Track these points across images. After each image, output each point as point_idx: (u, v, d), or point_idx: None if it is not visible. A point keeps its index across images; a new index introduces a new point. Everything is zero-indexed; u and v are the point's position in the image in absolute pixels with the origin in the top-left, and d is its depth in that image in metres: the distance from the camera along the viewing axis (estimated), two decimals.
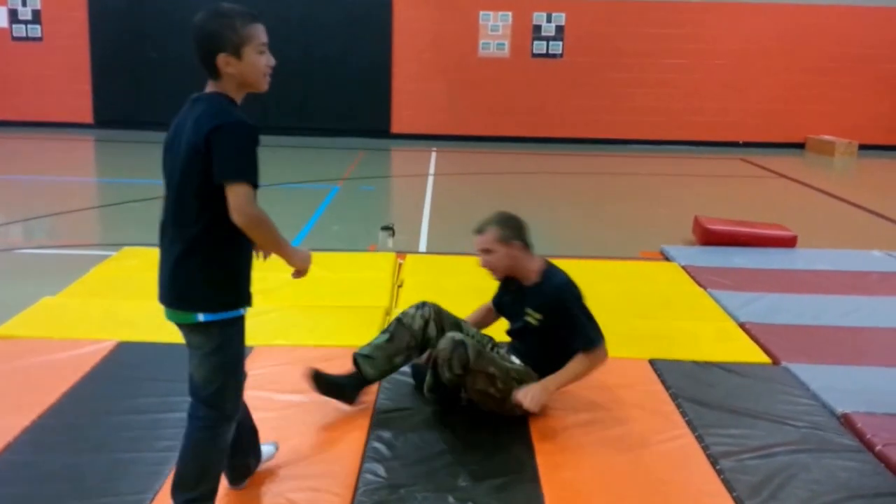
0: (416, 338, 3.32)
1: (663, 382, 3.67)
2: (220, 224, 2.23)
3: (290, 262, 2.42)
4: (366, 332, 3.84)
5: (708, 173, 11.30)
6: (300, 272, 2.48)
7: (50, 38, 12.76)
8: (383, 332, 3.41)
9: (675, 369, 3.81)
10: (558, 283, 3.30)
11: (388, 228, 5.96)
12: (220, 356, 2.37)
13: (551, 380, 3.21)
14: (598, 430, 3.23)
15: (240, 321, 2.40)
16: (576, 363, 3.24)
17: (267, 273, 2.71)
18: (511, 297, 3.44)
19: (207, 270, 2.30)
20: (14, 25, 12.69)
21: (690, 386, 3.64)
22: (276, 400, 3.35)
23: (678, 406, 3.44)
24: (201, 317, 2.31)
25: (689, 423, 3.29)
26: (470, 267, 5.07)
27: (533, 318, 3.30)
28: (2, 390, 3.42)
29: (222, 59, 2.27)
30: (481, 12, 12.93)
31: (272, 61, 2.36)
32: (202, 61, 2.30)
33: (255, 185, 2.23)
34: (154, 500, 2.63)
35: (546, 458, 2.98)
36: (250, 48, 2.28)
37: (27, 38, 12.79)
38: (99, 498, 2.65)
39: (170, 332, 4.03)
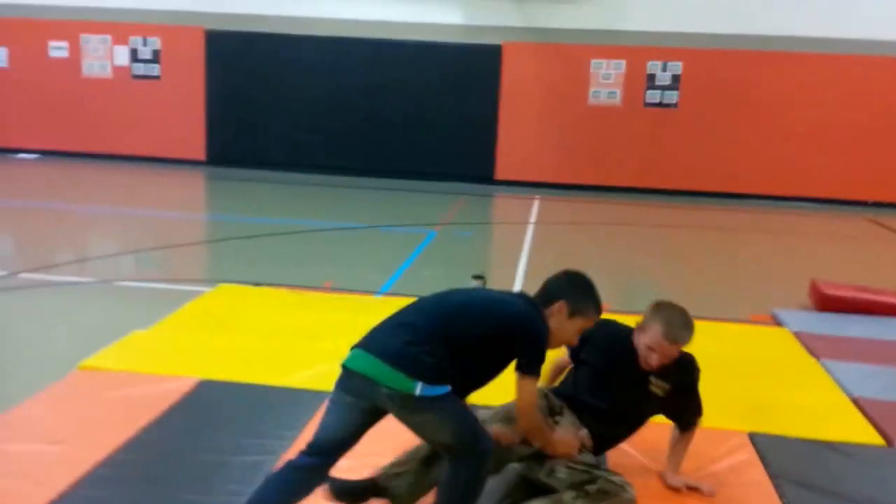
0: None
1: (763, 459, 3.40)
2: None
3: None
4: None
5: (831, 233, 10.72)
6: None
7: (167, 77, 13.35)
8: None
9: (778, 445, 3.54)
10: (687, 354, 3.21)
11: (480, 277, 5.80)
12: None
13: (672, 466, 3.24)
14: None
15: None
16: (688, 436, 3.24)
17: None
18: (624, 364, 3.15)
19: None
20: (134, 64, 13.36)
21: (793, 464, 3.36)
22: None
23: (777, 487, 3.16)
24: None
25: None
26: None
27: (659, 388, 3.14)
28: (82, 422, 3.47)
29: None
30: (593, 60, 12.80)
31: None
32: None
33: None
34: None
35: None
36: None
37: (146, 77, 13.41)
38: None
39: (251, 372, 4.09)
